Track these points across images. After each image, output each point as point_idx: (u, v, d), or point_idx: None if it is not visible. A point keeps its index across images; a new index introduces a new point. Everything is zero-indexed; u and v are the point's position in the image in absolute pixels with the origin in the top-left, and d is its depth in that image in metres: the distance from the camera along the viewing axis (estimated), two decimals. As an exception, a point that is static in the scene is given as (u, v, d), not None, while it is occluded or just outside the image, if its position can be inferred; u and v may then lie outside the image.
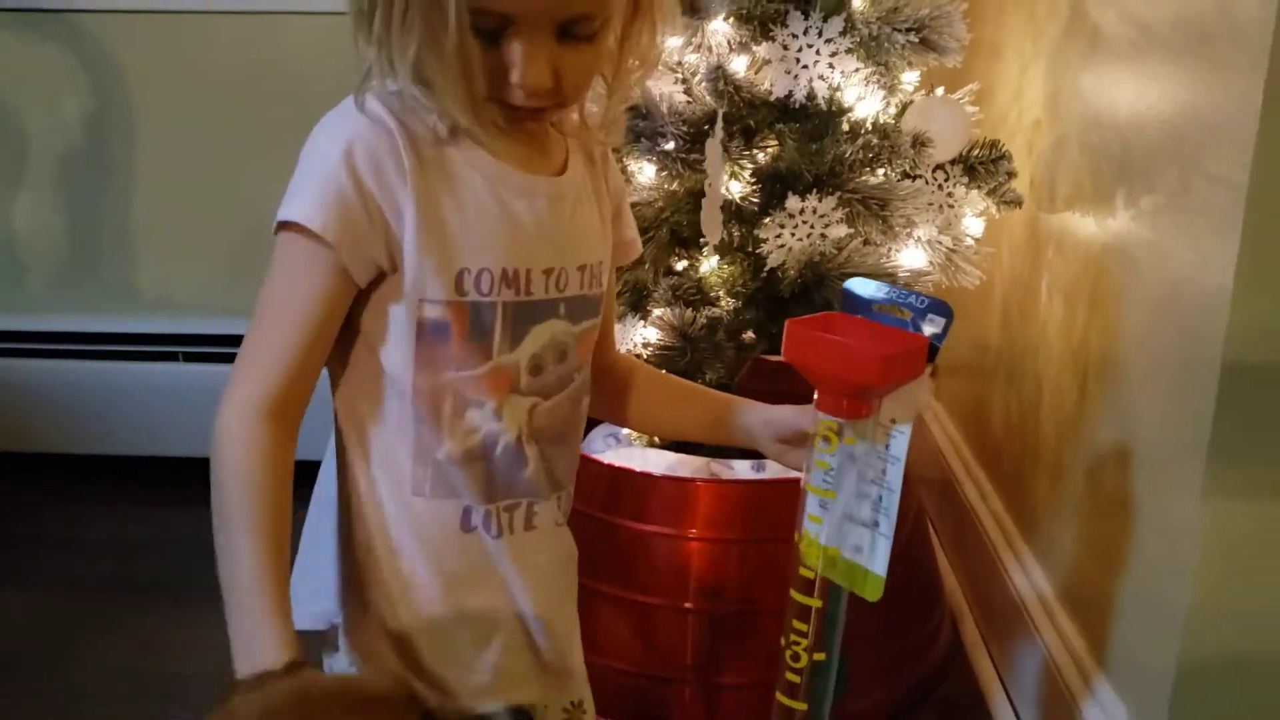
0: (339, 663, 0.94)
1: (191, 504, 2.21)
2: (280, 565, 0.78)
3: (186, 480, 2.15)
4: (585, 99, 0.88)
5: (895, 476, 0.93)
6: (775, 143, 1.42)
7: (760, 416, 1.02)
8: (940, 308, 0.88)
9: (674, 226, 1.45)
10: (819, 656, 0.97)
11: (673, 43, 1.43)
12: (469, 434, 0.89)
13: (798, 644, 0.96)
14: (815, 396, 0.93)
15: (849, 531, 0.94)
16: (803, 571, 0.96)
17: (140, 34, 2.09)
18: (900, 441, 0.92)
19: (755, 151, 1.42)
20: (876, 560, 0.93)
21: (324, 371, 0.88)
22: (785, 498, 1.47)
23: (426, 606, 0.90)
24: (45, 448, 2.17)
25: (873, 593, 0.94)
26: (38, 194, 2.15)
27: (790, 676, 0.97)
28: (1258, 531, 1.10)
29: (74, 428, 2.14)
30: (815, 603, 0.95)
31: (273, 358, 0.81)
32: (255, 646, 0.75)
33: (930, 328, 0.88)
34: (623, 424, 1.26)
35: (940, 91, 1.47)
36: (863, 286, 0.93)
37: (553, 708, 0.99)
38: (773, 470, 1.61)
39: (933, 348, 0.88)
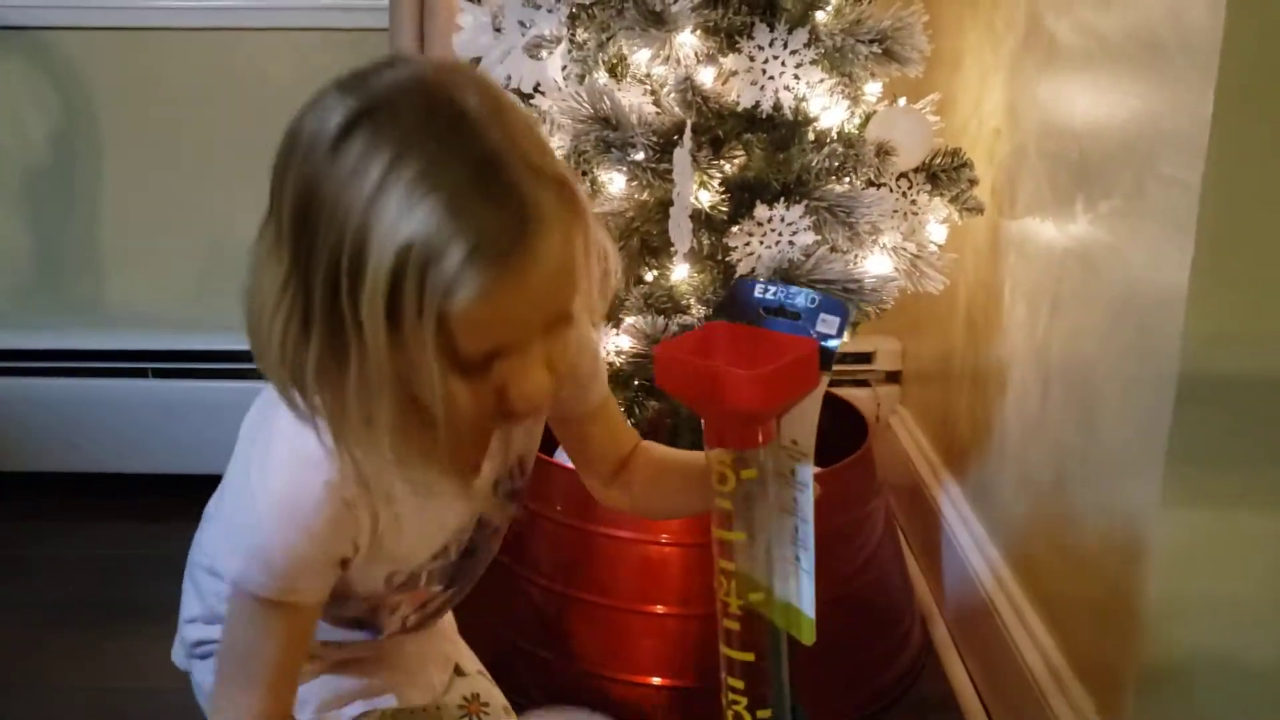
0: None
1: (161, 521, 2.21)
2: None
3: (156, 497, 2.14)
4: None
5: (806, 504, 0.82)
6: (743, 153, 1.44)
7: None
8: (833, 306, 0.78)
9: (644, 236, 1.47)
10: (763, 714, 0.87)
11: (641, 55, 1.45)
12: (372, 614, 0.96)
13: (737, 703, 0.87)
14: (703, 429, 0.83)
15: (778, 570, 0.84)
16: (726, 624, 0.86)
17: (106, 51, 2.08)
18: (805, 465, 0.82)
19: (723, 161, 1.44)
20: (804, 599, 0.84)
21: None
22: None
23: None
24: (12, 467, 2.15)
25: (807, 636, 0.85)
26: (2, 211, 2.13)
27: None
28: (1215, 529, 1.12)
29: (41, 446, 2.12)
30: (747, 656, 0.86)
31: (263, 709, 0.83)
32: None
33: (824, 328, 0.78)
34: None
35: (903, 101, 1.50)
36: (748, 288, 0.83)
37: (447, 706, 1.04)
38: (744, 476, 1.63)
39: (826, 351, 0.78)
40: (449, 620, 1.13)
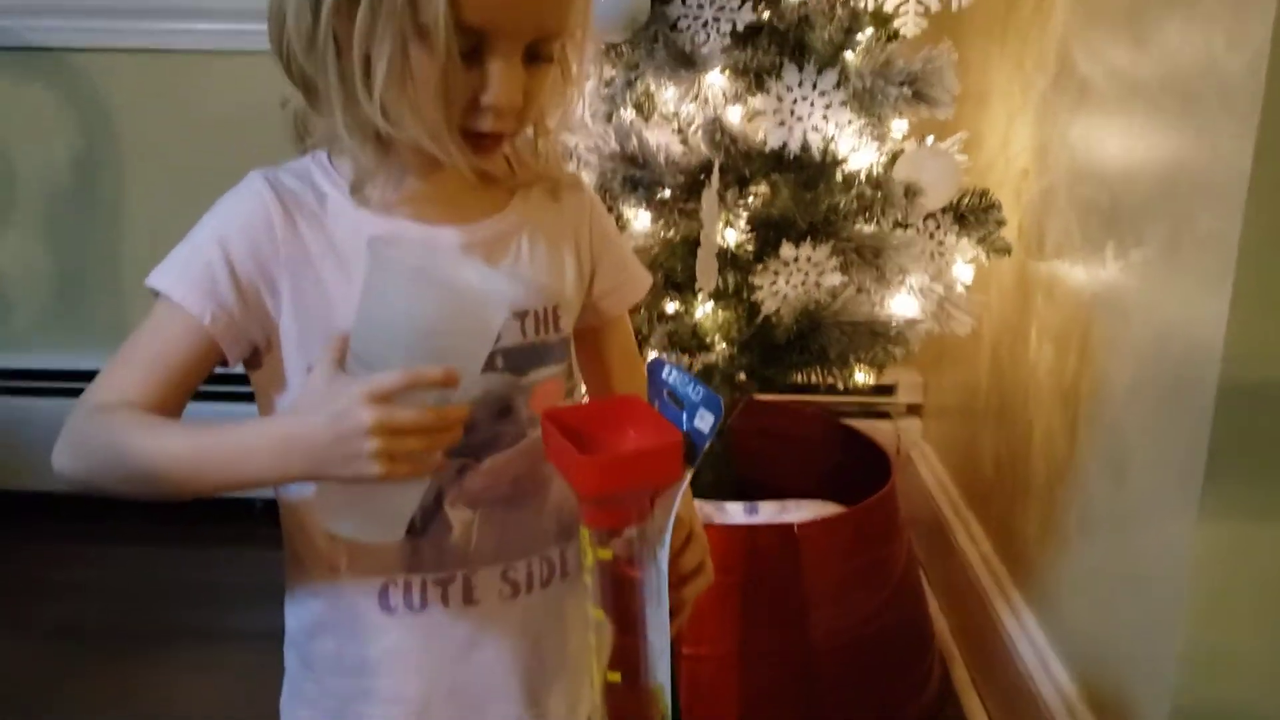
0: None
1: (186, 545, 2.20)
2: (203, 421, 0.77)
3: (183, 521, 2.14)
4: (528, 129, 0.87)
5: (661, 588, 0.78)
6: (769, 190, 1.44)
7: None
8: (712, 403, 0.77)
9: (668, 272, 1.46)
10: None
11: (669, 93, 1.45)
12: None
13: None
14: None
15: (652, 654, 0.79)
16: (594, 697, 0.82)
17: (130, 72, 2.09)
18: (662, 551, 0.79)
19: (750, 198, 1.44)
20: (662, 675, 0.79)
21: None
22: (776, 542, 1.49)
23: (342, 686, 0.88)
24: (37, 486, 2.15)
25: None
26: (25, 231, 2.14)
27: None
28: (1249, 585, 1.11)
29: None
30: None
31: (123, 391, 0.79)
32: (253, 438, 0.75)
33: (699, 423, 0.77)
34: None
35: (930, 140, 1.49)
36: (657, 368, 0.82)
37: None
38: (765, 514, 1.62)
39: (695, 446, 0.77)
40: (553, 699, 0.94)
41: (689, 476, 0.76)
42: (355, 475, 0.72)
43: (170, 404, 0.80)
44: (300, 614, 0.90)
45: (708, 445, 0.75)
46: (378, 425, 0.69)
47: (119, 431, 0.77)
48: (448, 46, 0.74)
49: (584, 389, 0.98)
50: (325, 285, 0.82)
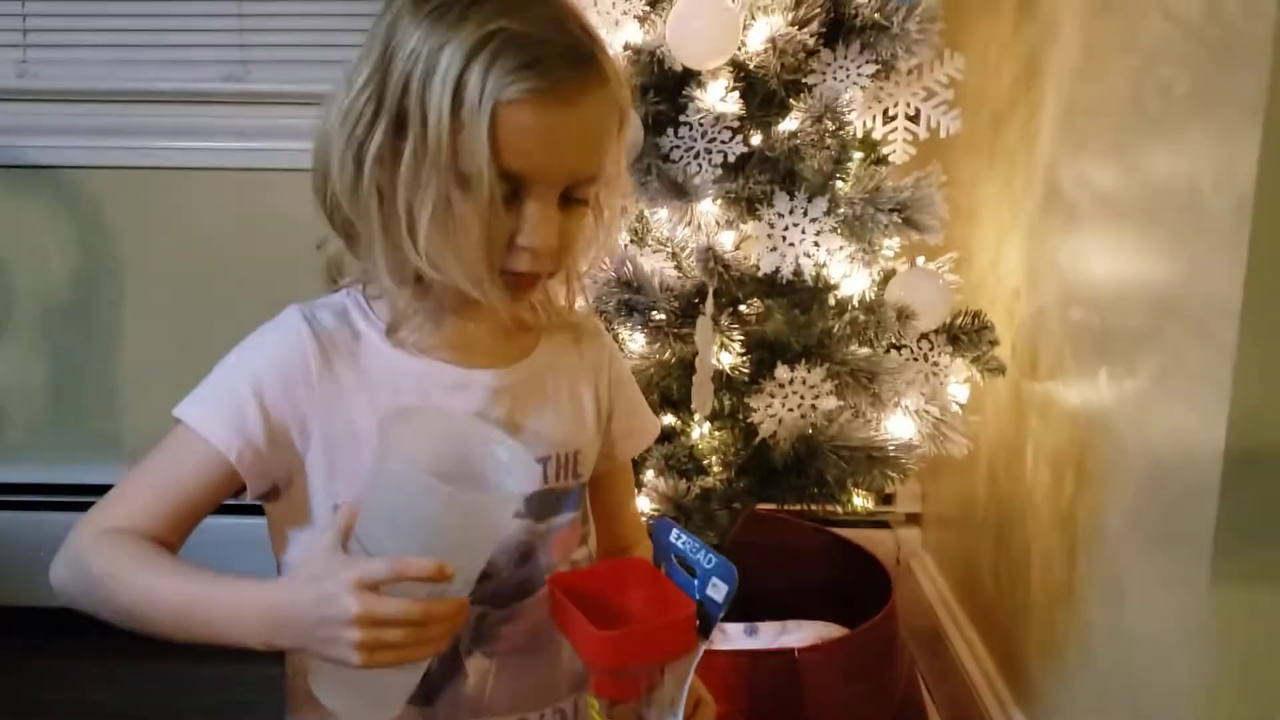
0: None
1: (188, 660, 2.15)
2: (204, 568, 0.77)
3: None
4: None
5: None
6: (763, 313, 1.44)
7: None
8: (725, 572, 0.76)
9: (664, 390, 1.47)
10: None
11: (661, 216, 1.47)
12: None
13: None
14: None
15: None
16: None
17: (127, 190, 2.11)
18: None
19: (745, 314, 1.44)
20: None
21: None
22: (777, 668, 1.47)
23: None
24: (36, 602, 2.12)
25: None
26: (21, 346, 2.15)
27: None
28: (1253, 711, 1.09)
29: (53, 582, 2.11)
30: None
31: (131, 515, 0.80)
32: (245, 603, 0.75)
33: (712, 593, 0.77)
34: None
35: (921, 261, 1.50)
36: (664, 530, 0.83)
37: None
38: (765, 636, 1.60)
39: (709, 616, 0.77)
40: None
41: (703, 648, 0.76)
42: (336, 659, 0.72)
43: (178, 533, 0.82)
44: None
45: (722, 615, 0.75)
46: (361, 616, 0.69)
47: (120, 564, 0.78)
48: (490, 193, 0.76)
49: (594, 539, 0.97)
50: (355, 422, 0.83)
